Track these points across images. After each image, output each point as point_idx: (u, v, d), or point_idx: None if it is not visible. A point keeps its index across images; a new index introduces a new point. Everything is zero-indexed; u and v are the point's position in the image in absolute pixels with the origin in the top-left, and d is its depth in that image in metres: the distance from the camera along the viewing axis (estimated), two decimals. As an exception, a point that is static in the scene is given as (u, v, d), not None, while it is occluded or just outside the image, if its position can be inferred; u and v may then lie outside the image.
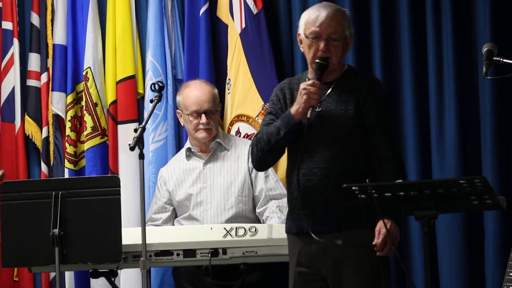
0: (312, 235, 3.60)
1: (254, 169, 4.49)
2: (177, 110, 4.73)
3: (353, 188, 3.17)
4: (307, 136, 3.60)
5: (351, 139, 3.65)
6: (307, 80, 3.72)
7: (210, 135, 4.58)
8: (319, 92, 3.59)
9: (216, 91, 4.66)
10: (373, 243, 3.57)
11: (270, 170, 4.53)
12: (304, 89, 3.60)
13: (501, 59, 3.50)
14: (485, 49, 3.53)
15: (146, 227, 4.48)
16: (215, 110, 4.59)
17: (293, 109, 3.63)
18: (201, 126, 4.56)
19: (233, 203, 4.51)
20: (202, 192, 4.56)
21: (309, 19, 3.69)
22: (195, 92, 4.59)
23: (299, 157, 3.64)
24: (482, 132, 4.50)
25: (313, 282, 3.70)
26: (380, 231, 3.57)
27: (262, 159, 3.75)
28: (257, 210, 4.53)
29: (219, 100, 4.69)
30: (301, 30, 3.73)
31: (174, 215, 4.68)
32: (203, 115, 4.55)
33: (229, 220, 4.46)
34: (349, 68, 3.82)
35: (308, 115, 3.59)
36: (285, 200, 4.46)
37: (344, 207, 3.56)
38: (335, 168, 3.62)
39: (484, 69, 3.49)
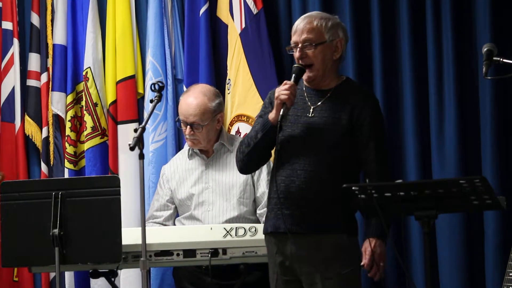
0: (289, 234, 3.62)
1: (256, 172, 4.49)
2: None
3: (353, 188, 3.17)
4: (279, 132, 3.61)
5: (340, 146, 3.66)
6: (303, 85, 3.77)
7: (196, 146, 4.55)
8: (292, 91, 3.61)
9: (212, 104, 4.51)
10: (361, 264, 3.63)
11: None
12: (278, 91, 3.63)
13: (501, 59, 3.50)
14: (485, 49, 3.53)
15: (147, 225, 4.50)
16: (203, 125, 4.48)
17: (271, 113, 3.67)
18: (186, 136, 4.55)
19: (235, 205, 4.51)
20: (204, 192, 4.55)
21: (292, 30, 3.74)
22: (188, 100, 4.52)
23: (276, 157, 3.67)
24: (482, 132, 4.50)
25: (292, 283, 3.72)
26: (366, 251, 3.63)
27: (243, 162, 3.79)
28: (258, 212, 4.52)
29: (216, 112, 4.52)
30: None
31: (176, 213, 4.67)
32: (188, 126, 4.52)
33: (230, 221, 4.45)
34: (347, 79, 3.83)
35: (281, 112, 3.61)
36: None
37: (324, 211, 3.60)
38: (320, 171, 3.64)
39: (484, 69, 3.49)
